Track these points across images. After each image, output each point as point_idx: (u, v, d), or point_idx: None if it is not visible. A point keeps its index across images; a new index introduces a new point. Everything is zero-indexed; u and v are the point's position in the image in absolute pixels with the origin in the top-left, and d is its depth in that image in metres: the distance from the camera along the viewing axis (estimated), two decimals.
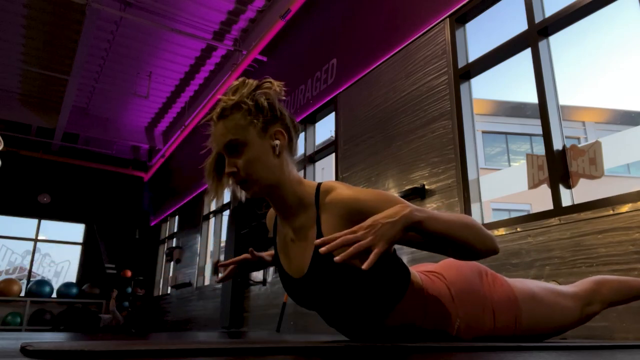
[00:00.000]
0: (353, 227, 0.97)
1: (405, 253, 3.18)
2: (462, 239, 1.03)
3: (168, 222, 9.41)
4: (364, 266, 0.89)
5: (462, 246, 1.04)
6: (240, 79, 1.20)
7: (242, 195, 1.20)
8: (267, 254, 1.45)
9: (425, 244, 1.10)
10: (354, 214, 1.08)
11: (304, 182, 1.19)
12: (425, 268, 1.31)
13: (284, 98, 1.21)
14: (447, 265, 1.30)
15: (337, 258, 0.90)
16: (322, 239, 0.95)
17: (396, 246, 1.22)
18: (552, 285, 1.42)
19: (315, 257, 1.12)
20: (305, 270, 1.15)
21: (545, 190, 2.55)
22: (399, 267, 1.17)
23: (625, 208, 2.04)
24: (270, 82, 1.19)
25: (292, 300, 1.29)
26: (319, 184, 1.18)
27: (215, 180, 1.23)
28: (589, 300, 1.36)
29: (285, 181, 1.16)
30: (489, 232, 1.09)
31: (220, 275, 1.46)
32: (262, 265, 1.45)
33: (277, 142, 1.16)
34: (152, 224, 9.95)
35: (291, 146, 1.20)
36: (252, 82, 1.19)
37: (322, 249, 0.92)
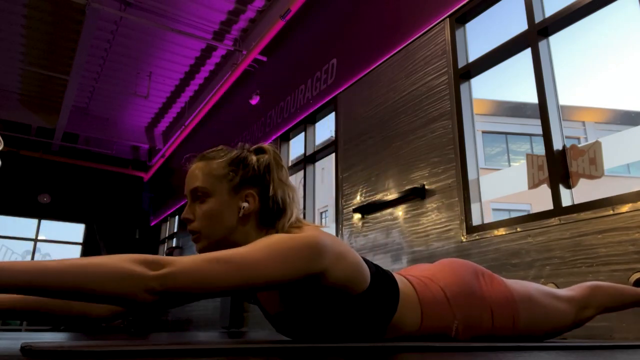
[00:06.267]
0: None
1: (405, 254, 3.18)
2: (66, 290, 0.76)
3: (168, 222, 9.41)
4: None
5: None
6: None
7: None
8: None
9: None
10: None
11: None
12: (420, 271, 1.29)
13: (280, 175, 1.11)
14: (442, 267, 1.29)
15: None
16: None
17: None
18: (548, 288, 1.43)
19: (283, 295, 1.09)
20: (281, 307, 1.12)
21: (545, 190, 2.55)
22: (384, 286, 1.11)
23: (625, 208, 2.05)
24: (270, 151, 1.14)
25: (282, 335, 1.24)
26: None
27: None
28: (584, 304, 1.38)
29: (243, 244, 1.02)
30: (123, 272, 0.79)
31: None
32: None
33: (245, 204, 1.07)
34: (152, 224, 9.95)
35: (266, 212, 1.09)
36: (255, 146, 1.15)
37: None
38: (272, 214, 1.09)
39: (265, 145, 1.16)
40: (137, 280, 0.78)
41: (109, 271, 0.78)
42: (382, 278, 1.12)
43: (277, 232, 1.07)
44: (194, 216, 1.08)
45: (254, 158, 1.12)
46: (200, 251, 1.08)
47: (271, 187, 1.10)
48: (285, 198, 1.11)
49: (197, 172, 1.09)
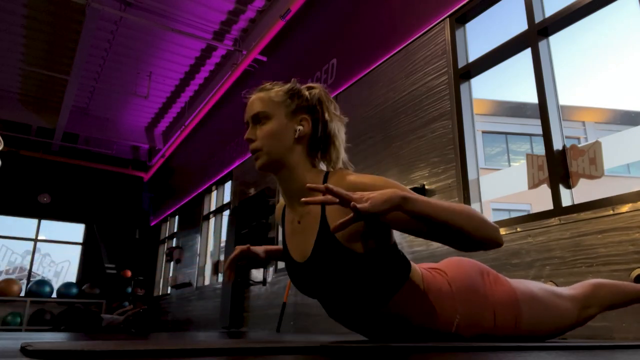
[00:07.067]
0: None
1: (406, 253, 3.18)
2: (454, 224, 1.03)
3: (168, 222, 9.41)
4: (348, 217, 0.97)
5: (454, 232, 1.04)
6: None
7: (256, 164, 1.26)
8: (262, 250, 1.48)
9: (419, 230, 1.09)
10: None
11: (314, 171, 1.23)
12: (428, 265, 1.33)
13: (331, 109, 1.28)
14: (449, 263, 1.32)
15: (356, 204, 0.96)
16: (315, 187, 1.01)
17: (398, 244, 1.25)
18: (551, 287, 1.43)
19: (318, 240, 1.15)
20: (308, 254, 1.18)
21: (545, 190, 2.55)
22: (399, 258, 1.21)
23: (625, 208, 2.05)
24: (319, 87, 1.31)
25: (295, 288, 1.31)
26: (327, 172, 1.23)
27: None
28: (587, 303, 1.38)
29: (295, 165, 1.21)
30: (493, 223, 1.08)
31: (221, 276, 1.47)
32: (260, 262, 1.48)
33: (300, 127, 1.22)
34: (152, 224, 9.95)
35: (315, 140, 1.24)
36: (306, 85, 1.33)
37: (317, 199, 1.01)
38: (321, 141, 1.25)
39: (315, 84, 1.33)
40: (491, 235, 1.07)
41: (483, 219, 1.07)
42: (399, 251, 1.23)
43: (328, 162, 1.25)
44: (256, 137, 1.23)
45: (306, 91, 1.29)
46: (260, 167, 1.23)
47: (324, 115, 1.26)
48: (334, 128, 1.26)
49: (257, 101, 1.26)
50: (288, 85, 1.29)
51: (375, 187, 1.08)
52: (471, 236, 1.05)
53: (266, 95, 1.26)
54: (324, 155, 1.26)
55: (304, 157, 1.23)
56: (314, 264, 1.18)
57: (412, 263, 1.24)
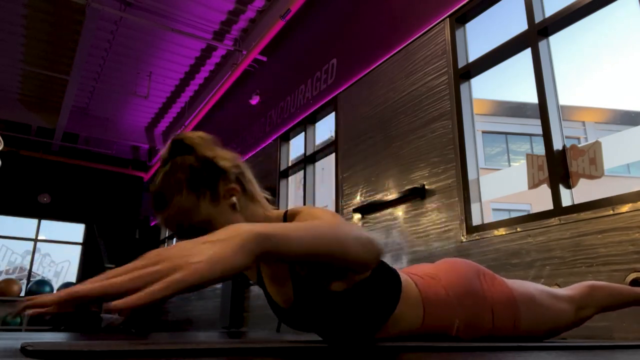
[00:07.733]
0: None
1: (405, 254, 3.18)
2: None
3: None
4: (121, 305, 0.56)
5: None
6: (160, 158, 1.07)
7: None
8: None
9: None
10: None
11: (271, 217, 1.11)
12: (422, 270, 1.30)
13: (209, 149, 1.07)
14: (444, 267, 1.30)
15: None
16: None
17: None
18: (548, 288, 1.43)
19: (296, 287, 1.09)
20: (291, 300, 1.13)
21: (545, 190, 2.55)
22: (387, 277, 1.14)
23: (625, 208, 2.05)
24: (189, 136, 1.07)
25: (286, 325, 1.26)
26: (285, 213, 1.10)
27: None
28: (584, 304, 1.39)
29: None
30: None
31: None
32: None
33: (233, 199, 1.05)
34: (152, 224, 9.95)
35: (246, 189, 1.09)
36: (173, 145, 1.07)
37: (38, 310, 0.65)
38: (244, 184, 1.10)
39: (181, 136, 1.08)
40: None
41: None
42: (386, 270, 1.14)
43: (258, 201, 1.12)
44: None
45: (192, 162, 1.05)
46: None
47: (229, 164, 1.07)
48: (236, 162, 1.10)
49: (175, 218, 1.03)
50: (180, 178, 1.02)
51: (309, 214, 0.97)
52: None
53: (178, 208, 1.01)
54: (253, 199, 1.11)
55: (252, 214, 1.09)
56: (299, 310, 1.13)
57: (402, 276, 1.19)
